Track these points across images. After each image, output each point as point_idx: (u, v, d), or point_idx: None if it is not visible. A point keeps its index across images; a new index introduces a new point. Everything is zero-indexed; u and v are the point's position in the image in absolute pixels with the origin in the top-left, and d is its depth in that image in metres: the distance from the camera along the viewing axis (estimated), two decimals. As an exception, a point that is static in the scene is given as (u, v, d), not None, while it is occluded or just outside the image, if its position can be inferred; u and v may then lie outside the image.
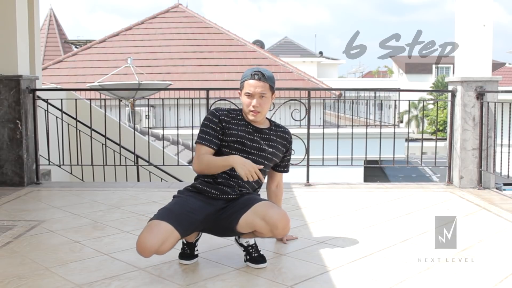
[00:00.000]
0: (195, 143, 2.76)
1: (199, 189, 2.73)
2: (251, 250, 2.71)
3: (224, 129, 2.73)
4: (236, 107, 2.99)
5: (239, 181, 2.73)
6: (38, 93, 5.27)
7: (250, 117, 2.76)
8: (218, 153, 2.75)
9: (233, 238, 2.86)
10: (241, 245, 2.73)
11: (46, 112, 5.40)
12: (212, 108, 2.90)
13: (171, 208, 2.64)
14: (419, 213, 3.91)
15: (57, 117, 5.63)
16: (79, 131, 6.00)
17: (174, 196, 2.79)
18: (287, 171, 3.04)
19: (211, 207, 2.67)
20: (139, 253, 2.51)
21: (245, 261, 2.72)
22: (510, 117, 4.87)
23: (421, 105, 26.87)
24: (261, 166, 2.64)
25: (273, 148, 2.85)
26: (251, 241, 2.70)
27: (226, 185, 2.72)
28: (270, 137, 2.85)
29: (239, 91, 2.81)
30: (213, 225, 2.68)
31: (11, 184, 4.93)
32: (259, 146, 2.79)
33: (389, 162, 6.02)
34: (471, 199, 4.35)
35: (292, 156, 4.93)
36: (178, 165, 6.64)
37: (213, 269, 2.67)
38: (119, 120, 6.00)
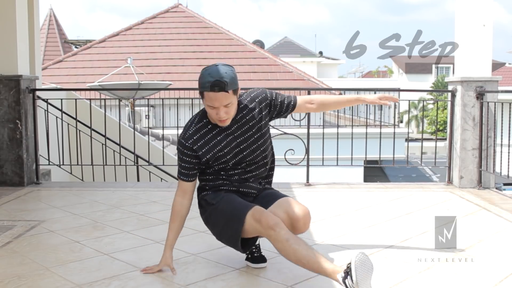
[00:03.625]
0: (177, 175, 2.63)
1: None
2: (254, 250, 2.71)
3: (199, 153, 2.53)
4: None
5: (252, 175, 2.66)
6: (38, 93, 5.27)
7: (219, 124, 2.50)
8: (205, 170, 2.62)
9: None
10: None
11: (46, 112, 5.40)
12: (180, 134, 2.62)
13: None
14: (419, 213, 3.91)
15: (57, 117, 5.63)
16: (79, 131, 6.01)
17: (210, 204, 2.65)
18: (294, 103, 2.70)
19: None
20: None
21: (245, 259, 2.72)
22: (510, 117, 4.87)
23: (421, 105, 26.87)
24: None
25: (255, 127, 2.59)
26: (257, 241, 2.71)
27: (248, 186, 2.65)
28: (247, 118, 2.57)
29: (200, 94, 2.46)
30: None
31: (11, 184, 4.93)
32: (244, 138, 2.57)
33: (389, 162, 6.02)
34: (471, 199, 4.35)
35: (292, 156, 4.90)
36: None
37: (213, 269, 2.68)
38: (119, 120, 6.00)
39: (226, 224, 2.53)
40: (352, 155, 5.21)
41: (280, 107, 2.68)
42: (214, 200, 2.60)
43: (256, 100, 2.61)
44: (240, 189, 2.63)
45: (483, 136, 4.74)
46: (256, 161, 2.63)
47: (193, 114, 2.65)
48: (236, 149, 2.57)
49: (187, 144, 2.53)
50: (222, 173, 2.61)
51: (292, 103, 2.70)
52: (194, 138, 2.53)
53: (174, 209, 2.62)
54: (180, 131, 2.67)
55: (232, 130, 2.55)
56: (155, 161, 6.39)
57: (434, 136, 13.00)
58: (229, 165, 2.59)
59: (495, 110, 4.66)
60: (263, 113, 2.61)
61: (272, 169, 2.80)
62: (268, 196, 2.64)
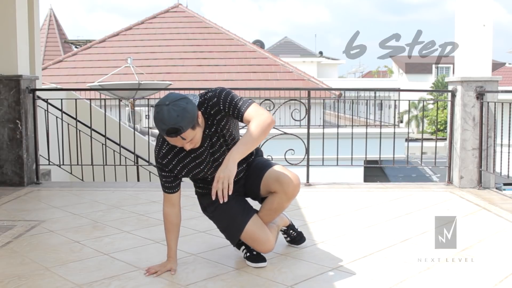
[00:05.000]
0: (162, 188, 2.65)
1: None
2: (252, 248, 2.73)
3: (175, 171, 2.57)
4: None
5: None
6: (38, 93, 5.27)
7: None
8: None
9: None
10: (243, 243, 2.75)
11: (46, 112, 5.40)
12: (155, 150, 2.60)
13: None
14: (419, 213, 3.91)
15: (57, 117, 5.63)
16: (79, 131, 6.00)
17: (207, 212, 2.79)
18: (242, 113, 2.42)
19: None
20: None
21: (244, 257, 2.74)
22: (510, 117, 4.87)
23: (421, 105, 26.86)
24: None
25: (226, 135, 2.54)
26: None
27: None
28: (218, 131, 2.51)
29: None
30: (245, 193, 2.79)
31: (11, 184, 4.93)
32: (218, 149, 2.56)
33: (389, 162, 6.02)
34: (471, 199, 4.35)
35: (292, 156, 4.91)
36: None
37: (213, 269, 2.67)
38: (119, 120, 6.00)
39: (223, 230, 2.77)
40: (352, 155, 5.21)
41: (234, 116, 2.48)
42: (209, 208, 2.75)
43: (216, 109, 2.45)
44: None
45: (483, 136, 4.74)
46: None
47: None
48: (216, 163, 2.58)
49: (163, 162, 2.56)
50: (204, 182, 2.71)
51: (238, 113, 2.44)
52: (168, 157, 2.54)
53: (168, 221, 2.65)
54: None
55: (206, 146, 2.53)
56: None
57: (434, 136, 13.01)
58: (209, 178, 2.66)
59: (495, 110, 4.66)
60: (224, 121, 2.50)
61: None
62: (258, 167, 2.71)
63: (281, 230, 2.98)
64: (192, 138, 2.36)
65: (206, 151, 2.54)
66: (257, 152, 2.83)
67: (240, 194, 2.74)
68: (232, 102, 2.43)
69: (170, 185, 2.60)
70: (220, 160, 2.57)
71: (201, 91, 2.55)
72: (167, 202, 2.64)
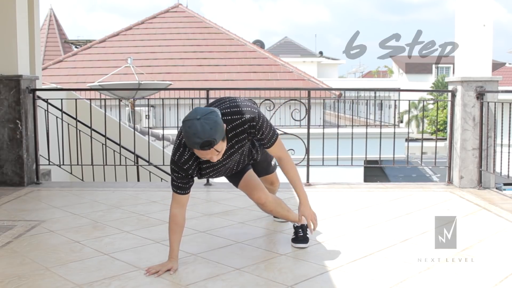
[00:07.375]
0: (172, 189, 2.71)
1: None
2: (299, 230, 3.08)
3: (194, 175, 2.71)
4: None
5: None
6: (38, 93, 5.27)
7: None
8: None
9: (231, 237, 2.99)
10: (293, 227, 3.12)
11: (46, 112, 5.40)
12: (171, 156, 2.67)
13: None
14: (419, 213, 3.91)
15: (57, 117, 5.63)
16: (79, 131, 6.00)
17: None
18: (271, 144, 2.75)
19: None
20: None
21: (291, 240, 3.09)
22: (510, 117, 4.87)
23: (421, 105, 26.85)
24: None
25: (238, 153, 2.75)
26: (297, 224, 3.11)
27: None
28: (236, 148, 2.69)
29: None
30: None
31: (11, 184, 4.93)
32: (234, 160, 2.84)
33: (389, 162, 6.02)
34: (471, 199, 4.35)
35: (292, 156, 4.94)
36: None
37: (213, 269, 2.68)
38: (119, 120, 6.00)
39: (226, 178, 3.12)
40: (352, 155, 5.21)
41: (259, 139, 2.74)
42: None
43: (244, 128, 2.60)
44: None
45: (483, 136, 4.74)
46: (244, 164, 3.01)
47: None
48: (227, 169, 2.86)
49: (184, 167, 2.64)
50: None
51: (267, 144, 2.75)
52: (189, 163, 2.64)
53: (175, 222, 2.70)
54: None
55: (224, 158, 2.70)
56: (155, 161, 6.38)
57: (434, 136, 13.01)
58: (222, 176, 2.98)
59: (495, 110, 4.66)
60: (248, 139, 2.71)
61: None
62: (266, 163, 3.27)
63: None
64: (219, 150, 2.44)
65: (223, 161, 2.72)
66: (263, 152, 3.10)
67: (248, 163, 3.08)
68: (260, 134, 2.66)
69: (184, 186, 2.68)
70: (228, 161, 2.76)
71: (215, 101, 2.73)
72: (176, 203, 2.70)
